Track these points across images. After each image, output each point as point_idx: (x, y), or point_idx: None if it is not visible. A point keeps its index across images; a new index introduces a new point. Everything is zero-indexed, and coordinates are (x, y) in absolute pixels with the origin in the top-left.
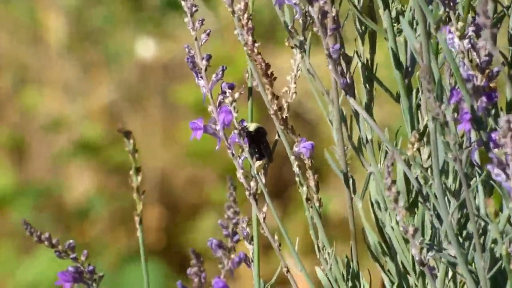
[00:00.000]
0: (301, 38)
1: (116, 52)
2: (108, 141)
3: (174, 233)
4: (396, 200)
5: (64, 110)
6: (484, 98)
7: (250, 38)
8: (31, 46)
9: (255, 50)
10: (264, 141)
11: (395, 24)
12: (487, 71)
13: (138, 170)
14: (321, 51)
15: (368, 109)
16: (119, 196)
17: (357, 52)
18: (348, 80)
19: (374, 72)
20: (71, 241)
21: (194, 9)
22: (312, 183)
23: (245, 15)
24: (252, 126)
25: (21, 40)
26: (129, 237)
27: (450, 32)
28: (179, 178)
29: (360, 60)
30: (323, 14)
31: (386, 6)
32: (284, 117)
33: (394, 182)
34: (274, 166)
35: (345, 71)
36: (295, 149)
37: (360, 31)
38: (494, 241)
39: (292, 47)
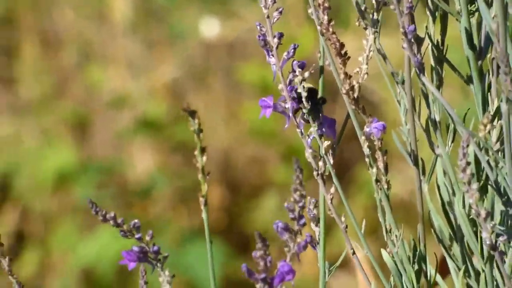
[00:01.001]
0: (375, 17)
1: (180, 31)
2: (171, 119)
3: (236, 213)
4: (469, 183)
5: (127, 88)
6: None
7: (325, 17)
8: (95, 23)
9: (330, 30)
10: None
11: (468, 5)
12: None
13: (203, 150)
14: (386, 34)
15: (438, 91)
16: (181, 174)
17: (428, 34)
18: (418, 60)
19: (444, 54)
20: (136, 220)
21: None
22: (381, 165)
23: None
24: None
25: (86, 17)
26: (191, 216)
27: None
28: (242, 157)
29: (431, 42)
30: None
31: None
32: (356, 96)
33: (468, 164)
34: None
35: (416, 52)
36: (366, 129)
37: (432, 12)
38: None
39: (364, 28)
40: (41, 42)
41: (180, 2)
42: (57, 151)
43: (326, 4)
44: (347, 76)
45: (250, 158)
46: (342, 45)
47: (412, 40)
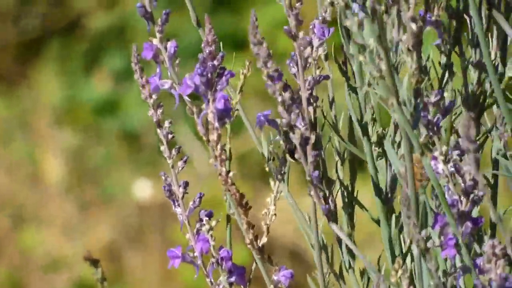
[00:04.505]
0: (281, 168)
1: (114, 192)
2: (109, 281)
3: None
4: None
5: (63, 250)
6: (469, 223)
7: (223, 169)
8: (29, 186)
9: (229, 181)
10: None
11: (376, 148)
12: (472, 195)
13: None
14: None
15: (350, 235)
16: None
17: (338, 177)
18: (331, 205)
19: (356, 196)
20: None
21: (170, 136)
22: None
23: (218, 146)
24: None
25: (19, 180)
26: None
27: (434, 157)
28: None
29: (342, 184)
30: (305, 140)
31: (365, 131)
32: (260, 246)
33: None
34: None
35: (327, 195)
36: (274, 277)
37: (341, 155)
38: None
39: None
40: None
41: (113, 164)
42: None
43: (223, 156)
44: (250, 225)
45: None
46: (242, 196)
47: (322, 185)
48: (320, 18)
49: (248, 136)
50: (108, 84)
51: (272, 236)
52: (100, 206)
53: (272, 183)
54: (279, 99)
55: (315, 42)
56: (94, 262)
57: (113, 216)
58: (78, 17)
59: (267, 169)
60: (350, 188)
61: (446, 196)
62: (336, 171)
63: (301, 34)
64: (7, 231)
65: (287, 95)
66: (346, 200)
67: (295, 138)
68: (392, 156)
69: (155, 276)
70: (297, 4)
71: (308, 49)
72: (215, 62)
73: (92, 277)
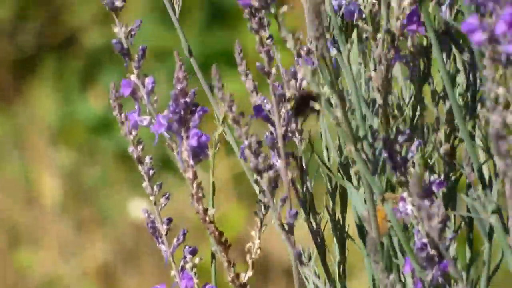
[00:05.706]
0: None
1: (110, 212)
2: None
3: None
4: None
5: (59, 270)
6: (438, 267)
7: (200, 207)
8: (25, 205)
9: (207, 219)
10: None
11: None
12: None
13: None
14: None
15: (340, 274)
16: None
17: (327, 208)
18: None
19: (346, 230)
20: None
21: (151, 172)
22: None
23: (194, 184)
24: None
25: (15, 199)
26: None
27: (403, 199)
28: None
29: (331, 218)
30: (274, 185)
31: (345, 169)
32: (243, 283)
33: None
34: None
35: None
36: None
37: (329, 187)
38: None
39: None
40: None
41: (109, 184)
42: None
43: (200, 194)
44: (230, 264)
45: None
46: (221, 234)
47: (291, 228)
48: (305, 49)
49: None
50: (103, 101)
51: (269, 251)
52: (96, 225)
53: (259, 213)
54: (246, 143)
55: (300, 75)
56: None
57: (109, 236)
58: (73, 34)
59: (259, 196)
60: (340, 220)
61: (416, 239)
62: (326, 202)
63: (273, 70)
64: (2, 250)
65: (253, 139)
66: (338, 233)
67: (263, 183)
68: (355, 200)
69: None
70: (268, 41)
71: (292, 82)
72: (187, 99)
73: None
